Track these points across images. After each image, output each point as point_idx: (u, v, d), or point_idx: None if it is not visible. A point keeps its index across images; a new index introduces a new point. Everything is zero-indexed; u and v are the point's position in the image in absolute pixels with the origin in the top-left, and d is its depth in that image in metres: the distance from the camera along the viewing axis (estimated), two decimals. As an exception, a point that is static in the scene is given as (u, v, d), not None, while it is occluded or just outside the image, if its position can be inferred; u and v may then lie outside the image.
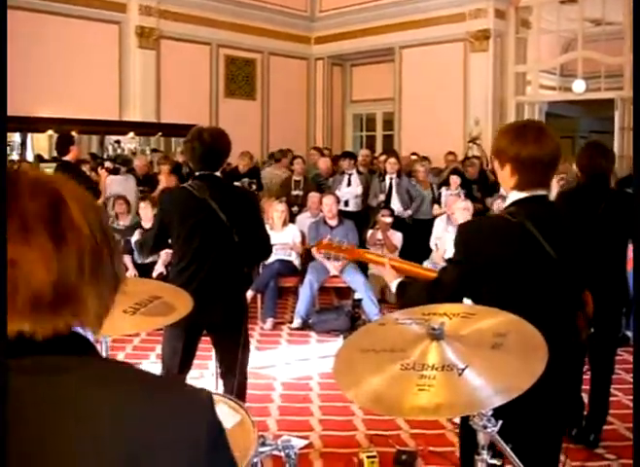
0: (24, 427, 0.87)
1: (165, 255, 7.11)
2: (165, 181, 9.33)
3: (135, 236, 4.32)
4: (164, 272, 7.25)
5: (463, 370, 1.98)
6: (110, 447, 0.88)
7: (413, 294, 2.72)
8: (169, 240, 3.99)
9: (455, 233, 2.58)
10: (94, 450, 0.87)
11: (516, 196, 2.53)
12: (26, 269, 0.90)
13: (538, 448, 2.53)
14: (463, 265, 2.51)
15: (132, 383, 0.98)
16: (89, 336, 1.01)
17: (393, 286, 2.85)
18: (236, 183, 9.54)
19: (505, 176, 2.54)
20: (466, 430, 2.53)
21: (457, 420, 4.39)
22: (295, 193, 10.11)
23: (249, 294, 6.40)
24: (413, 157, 12.09)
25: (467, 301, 2.98)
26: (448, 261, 2.65)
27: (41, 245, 0.91)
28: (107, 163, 7.31)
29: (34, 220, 0.92)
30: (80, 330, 0.99)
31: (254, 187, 10.30)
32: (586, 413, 4.49)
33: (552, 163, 2.52)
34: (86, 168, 8.85)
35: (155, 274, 7.23)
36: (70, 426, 0.88)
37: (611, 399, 4.62)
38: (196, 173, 3.97)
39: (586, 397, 4.66)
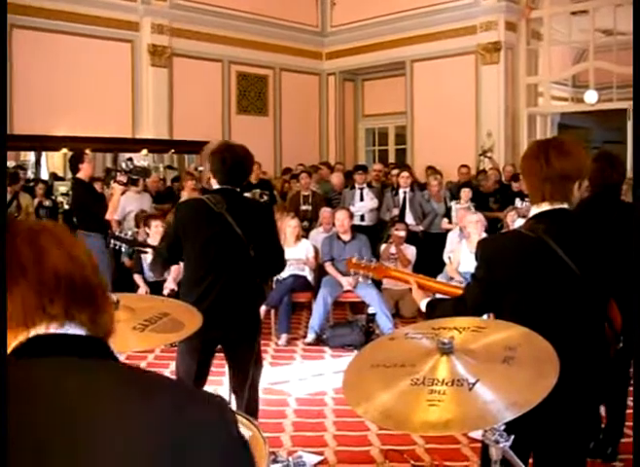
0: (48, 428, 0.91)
1: (176, 272, 7.10)
2: (188, 195, 9.35)
3: (150, 256, 4.34)
4: (176, 289, 7.24)
5: (473, 384, 1.96)
6: (138, 447, 0.91)
7: (441, 312, 2.74)
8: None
9: (476, 250, 2.60)
10: (122, 450, 0.90)
11: (538, 209, 2.55)
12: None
13: (561, 463, 2.51)
14: (485, 282, 2.54)
15: (163, 390, 1.01)
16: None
17: (422, 305, 2.87)
18: (247, 194, 9.55)
19: (530, 189, 2.60)
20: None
21: (472, 435, 4.37)
22: (304, 207, 10.11)
23: (263, 309, 6.39)
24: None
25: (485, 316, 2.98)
26: (472, 277, 2.67)
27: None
28: (119, 177, 7.26)
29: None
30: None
31: (265, 197, 10.29)
32: (602, 425, 4.45)
33: (576, 177, 2.54)
34: (97, 186, 8.86)
35: (166, 292, 7.22)
36: (99, 425, 0.91)
37: (627, 411, 4.57)
38: (216, 187, 3.92)
39: (602, 409, 4.62)
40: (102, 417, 0.92)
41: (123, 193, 7.72)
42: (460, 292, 2.82)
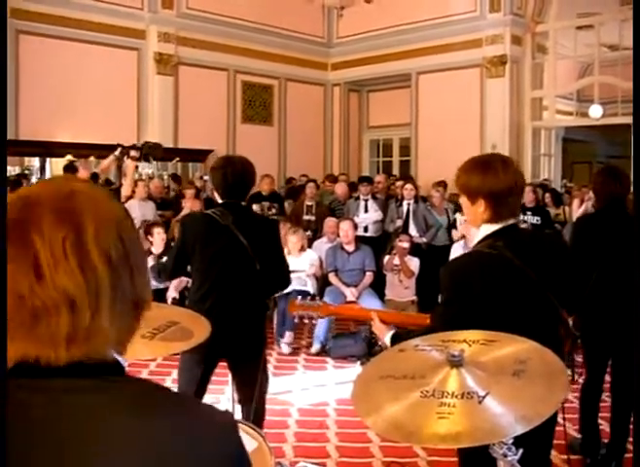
0: (40, 447, 0.88)
1: (178, 281, 7.10)
2: (190, 206, 9.35)
3: (149, 262, 4.26)
4: (178, 297, 7.24)
5: (483, 397, 1.95)
6: None
7: None
8: (188, 267, 3.97)
9: (440, 276, 2.61)
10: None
11: (489, 228, 2.62)
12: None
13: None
14: (453, 306, 2.57)
15: (162, 407, 0.97)
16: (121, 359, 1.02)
17: (387, 339, 2.80)
18: (256, 205, 9.52)
19: (475, 211, 2.63)
20: (466, 458, 2.54)
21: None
22: (307, 218, 10.10)
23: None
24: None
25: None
26: (441, 304, 2.68)
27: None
28: (132, 152, 7.15)
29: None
30: (117, 356, 1.01)
31: (274, 210, 10.26)
32: (607, 440, 4.45)
33: (521, 193, 2.69)
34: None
35: (169, 301, 7.21)
36: (91, 448, 0.88)
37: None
38: (220, 201, 3.93)
39: (607, 425, 4.61)
40: (95, 440, 0.89)
41: (135, 168, 7.70)
42: (423, 319, 2.83)
